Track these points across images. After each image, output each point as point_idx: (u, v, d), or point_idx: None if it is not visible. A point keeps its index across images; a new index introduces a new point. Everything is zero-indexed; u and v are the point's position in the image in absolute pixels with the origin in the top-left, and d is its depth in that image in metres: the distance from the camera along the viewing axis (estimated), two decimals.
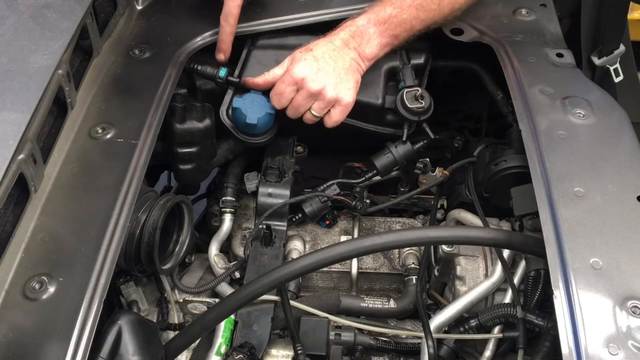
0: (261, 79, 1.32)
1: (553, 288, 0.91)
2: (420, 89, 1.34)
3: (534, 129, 1.15)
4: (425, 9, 1.34)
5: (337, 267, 1.39)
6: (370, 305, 1.30)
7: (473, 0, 1.41)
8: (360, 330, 1.25)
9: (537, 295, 1.13)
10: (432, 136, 1.39)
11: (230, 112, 1.36)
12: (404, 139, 1.38)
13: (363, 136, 1.40)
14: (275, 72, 1.31)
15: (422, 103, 1.34)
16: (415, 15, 1.33)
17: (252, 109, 1.31)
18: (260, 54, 1.40)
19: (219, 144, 1.42)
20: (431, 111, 1.36)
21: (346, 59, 1.30)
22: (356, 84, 1.32)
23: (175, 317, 1.27)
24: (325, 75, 1.27)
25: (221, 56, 1.38)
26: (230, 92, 1.39)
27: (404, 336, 1.27)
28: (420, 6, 1.33)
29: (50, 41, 1.11)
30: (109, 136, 1.15)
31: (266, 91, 1.33)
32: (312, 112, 1.30)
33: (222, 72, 1.36)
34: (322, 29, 1.45)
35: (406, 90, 1.34)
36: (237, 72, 1.38)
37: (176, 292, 1.30)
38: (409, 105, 1.34)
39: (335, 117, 1.31)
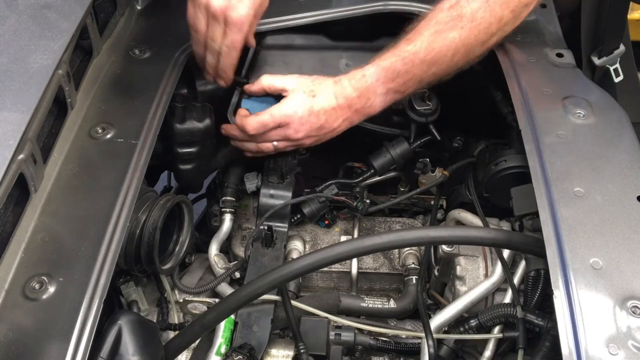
0: (256, 86, 1.32)
1: (553, 288, 0.91)
2: (427, 90, 1.34)
3: (534, 129, 1.15)
4: (438, 64, 1.25)
5: (337, 267, 1.39)
6: (370, 305, 1.30)
7: (490, 48, 1.30)
8: (360, 330, 1.25)
9: (537, 295, 1.13)
10: (439, 138, 1.39)
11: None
12: (412, 140, 1.38)
13: (367, 137, 1.40)
14: (273, 83, 1.30)
15: (429, 105, 1.34)
16: (426, 70, 1.26)
17: (261, 110, 1.31)
18: (267, 54, 1.40)
19: (224, 143, 1.43)
20: (438, 112, 1.36)
21: (339, 120, 1.28)
22: (330, 137, 1.31)
23: (175, 317, 1.27)
24: (309, 127, 1.27)
25: (222, 83, 1.36)
26: (237, 93, 1.39)
27: (404, 336, 1.27)
28: (433, 61, 1.25)
29: (50, 41, 1.11)
30: (109, 136, 1.15)
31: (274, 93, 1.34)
32: (274, 144, 1.31)
33: None
34: (323, 29, 1.45)
35: None
36: (243, 72, 1.38)
37: (176, 292, 1.30)
38: (416, 107, 1.34)
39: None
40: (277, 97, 1.32)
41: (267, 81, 1.31)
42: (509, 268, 1.21)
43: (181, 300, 1.27)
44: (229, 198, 1.42)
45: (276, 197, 1.37)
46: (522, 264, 1.20)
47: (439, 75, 1.28)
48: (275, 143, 1.31)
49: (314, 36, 1.42)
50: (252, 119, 1.29)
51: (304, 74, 1.36)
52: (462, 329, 1.18)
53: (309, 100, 1.26)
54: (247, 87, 1.35)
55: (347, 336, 1.21)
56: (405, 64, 1.24)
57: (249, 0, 1.24)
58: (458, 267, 1.26)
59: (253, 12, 1.25)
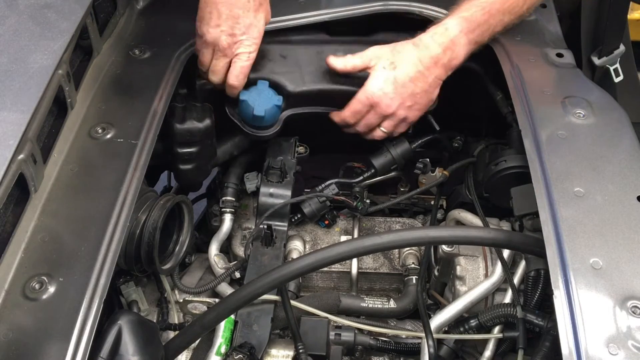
0: (340, 64, 1.33)
1: (553, 288, 0.91)
2: None
3: (534, 129, 1.15)
4: (511, 12, 1.31)
5: (337, 267, 1.39)
6: (371, 305, 1.30)
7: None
8: (360, 330, 1.25)
9: (537, 295, 1.13)
10: (437, 128, 1.39)
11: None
12: (410, 131, 1.38)
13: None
14: (355, 63, 1.31)
15: None
16: (500, 19, 1.30)
17: (259, 101, 1.32)
18: (264, 47, 1.39)
19: (224, 139, 1.42)
20: (436, 103, 1.36)
21: (429, 80, 1.28)
22: (429, 102, 1.32)
23: (175, 317, 1.27)
24: (400, 99, 1.28)
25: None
26: None
27: (404, 336, 1.27)
28: (508, 10, 1.30)
29: (50, 41, 1.11)
30: (109, 136, 1.15)
31: (272, 84, 1.34)
32: (382, 129, 1.33)
33: None
34: (323, 28, 1.45)
35: None
36: None
37: (176, 292, 1.30)
38: None
39: (399, 131, 1.35)
40: (275, 89, 1.34)
41: (350, 62, 1.32)
42: (509, 268, 1.21)
43: (181, 300, 1.27)
44: (229, 198, 1.42)
45: (276, 195, 1.37)
46: (522, 264, 1.20)
47: (508, 25, 1.32)
48: (382, 128, 1.33)
49: (312, 31, 1.42)
50: (345, 112, 1.32)
51: (302, 66, 1.37)
52: (462, 329, 1.18)
53: (391, 74, 1.27)
54: (332, 61, 1.33)
55: (347, 336, 1.21)
56: (484, 14, 1.28)
57: (255, 30, 1.27)
58: (458, 267, 1.26)
59: (260, 39, 1.29)
